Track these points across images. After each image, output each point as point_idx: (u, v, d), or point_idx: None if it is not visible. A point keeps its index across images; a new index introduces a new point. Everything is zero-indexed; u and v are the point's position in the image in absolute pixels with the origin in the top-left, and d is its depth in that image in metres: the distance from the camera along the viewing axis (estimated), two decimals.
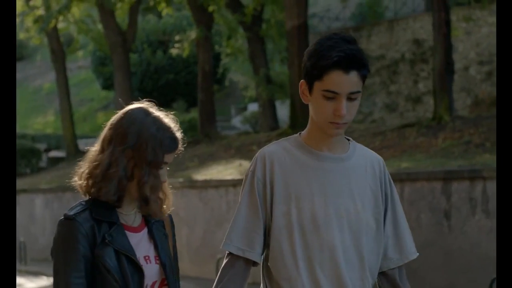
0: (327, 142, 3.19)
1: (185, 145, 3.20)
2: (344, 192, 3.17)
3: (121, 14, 25.37)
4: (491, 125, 15.05)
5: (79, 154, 27.05)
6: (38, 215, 22.83)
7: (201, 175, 17.16)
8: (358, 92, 3.06)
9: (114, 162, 3.07)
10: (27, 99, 42.36)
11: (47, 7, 24.64)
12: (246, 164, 17.16)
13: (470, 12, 24.34)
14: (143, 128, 3.09)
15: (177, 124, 3.19)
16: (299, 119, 18.22)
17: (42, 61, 44.69)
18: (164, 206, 3.20)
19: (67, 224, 3.02)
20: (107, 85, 36.25)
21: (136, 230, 3.14)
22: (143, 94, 35.51)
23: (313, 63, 3.05)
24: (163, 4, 21.16)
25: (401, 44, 27.42)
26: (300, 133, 3.26)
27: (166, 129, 3.12)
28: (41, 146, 30.18)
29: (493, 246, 11.02)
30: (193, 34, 22.14)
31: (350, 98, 3.05)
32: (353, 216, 3.15)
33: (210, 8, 21.31)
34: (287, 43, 19.74)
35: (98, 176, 3.09)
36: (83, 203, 3.09)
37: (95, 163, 3.11)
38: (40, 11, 25.23)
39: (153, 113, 3.14)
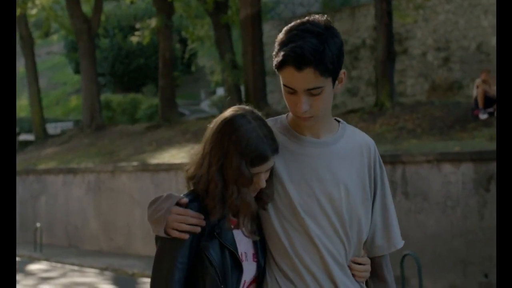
0: (312, 126, 3.07)
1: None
2: (327, 178, 3.06)
3: (86, 1, 25.90)
4: (426, 112, 15.86)
5: (47, 137, 27.74)
6: None
7: (154, 159, 17.91)
8: (318, 88, 2.91)
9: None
10: None
11: None
12: (197, 147, 17.91)
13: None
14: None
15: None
16: (251, 104, 18.84)
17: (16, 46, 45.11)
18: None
19: None
20: (79, 70, 36.79)
21: (236, 226, 3.08)
22: (114, 78, 36.18)
23: (274, 57, 2.96)
24: None
25: (362, 30, 28.05)
26: (287, 115, 3.17)
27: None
28: None
29: (411, 225, 11.85)
30: (153, 22, 22.75)
31: (311, 94, 2.94)
32: (337, 203, 3.05)
33: None
34: (241, 32, 20.35)
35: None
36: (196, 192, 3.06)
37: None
38: None
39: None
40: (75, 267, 16.36)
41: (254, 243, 3.09)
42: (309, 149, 3.08)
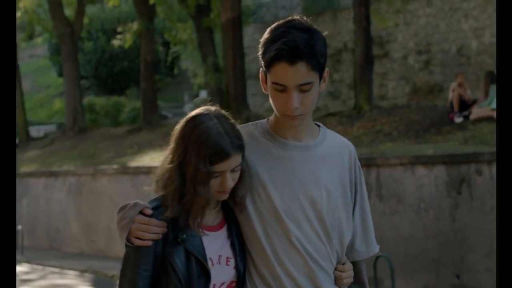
0: (293, 129, 3.06)
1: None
2: (310, 182, 3.05)
3: (69, 5, 25.99)
4: (403, 115, 16.05)
5: (30, 140, 27.80)
6: None
7: (135, 162, 18.04)
8: (309, 83, 2.91)
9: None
10: None
11: None
12: None
13: (404, 3, 25.22)
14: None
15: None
16: (232, 107, 18.98)
17: None
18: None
19: None
20: (63, 73, 36.88)
21: (214, 228, 3.06)
22: (98, 81, 36.20)
23: (262, 54, 2.95)
24: None
25: (344, 33, 28.23)
26: (268, 119, 3.16)
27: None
28: None
29: (385, 227, 12.02)
30: (134, 25, 22.89)
31: (302, 90, 2.92)
32: (319, 207, 3.04)
33: (152, 1, 22.03)
34: (222, 35, 20.49)
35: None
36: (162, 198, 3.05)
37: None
38: None
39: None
40: (56, 269, 16.46)
41: (232, 246, 3.05)
42: (292, 153, 3.06)
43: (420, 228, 11.75)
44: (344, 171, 3.12)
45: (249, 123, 3.18)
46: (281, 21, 2.97)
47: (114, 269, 15.49)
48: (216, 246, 3.02)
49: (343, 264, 3.14)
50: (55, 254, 18.85)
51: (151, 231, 2.94)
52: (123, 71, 35.70)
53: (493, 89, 14.23)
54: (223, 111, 3.04)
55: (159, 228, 2.94)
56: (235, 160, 2.95)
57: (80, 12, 25.71)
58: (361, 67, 17.48)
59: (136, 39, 24.26)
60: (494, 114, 13.93)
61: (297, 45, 2.87)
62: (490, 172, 10.94)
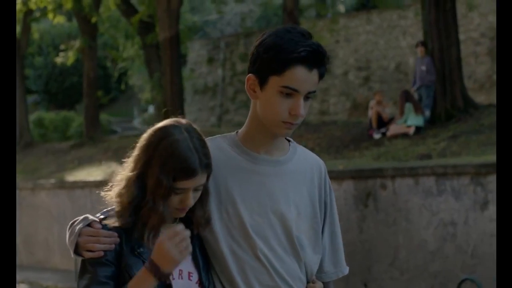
0: (266, 143, 2.97)
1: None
2: (280, 198, 2.95)
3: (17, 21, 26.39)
4: (328, 131, 16.77)
5: None
6: None
7: (72, 176, 18.58)
8: (314, 92, 2.86)
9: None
10: None
11: None
12: (115, 165, 18.68)
13: (347, 21, 25.94)
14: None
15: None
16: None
17: None
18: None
19: None
20: None
21: None
22: (48, 95, 36.52)
23: (272, 56, 2.80)
24: (51, 14, 22.36)
25: None
26: (237, 132, 3.04)
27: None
28: None
29: None
30: (77, 43, 23.44)
31: (306, 97, 2.85)
32: (289, 224, 2.94)
33: (93, 20, 22.60)
34: (161, 53, 21.08)
35: None
36: None
37: None
38: None
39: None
40: None
41: (194, 261, 2.93)
42: (263, 168, 2.96)
43: None
44: (314, 189, 3.03)
45: (218, 135, 3.06)
46: (281, 27, 2.87)
47: (49, 280, 16.01)
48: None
49: (314, 283, 3.07)
50: None
51: (101, 242, 2.83)
52: (73, 86, 36.12)
53: (408, 107, 14.96)
54: (194, 125, 2.91)
55: (109, 238, 2.84)
56: (201, 179, 2.83)
57: (26, 29, 26.16)
58: None
59: (79, 56, 24.77)
60: (410, 130, 14.70)
61: (320, 50, 2.81)
62: (393, 186, 11.65)
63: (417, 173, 11.20)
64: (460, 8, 21.15)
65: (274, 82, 2.82)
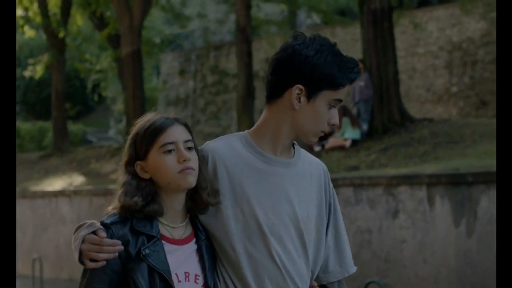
0: (279, 146, 3.02)
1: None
2: (292, 198, 3.00)
3: None
4: None
5: None
6: None
7: (36, 186, 19.38)
8: None
9: None
10: None
11: None
12: (76, 176, 19.54)
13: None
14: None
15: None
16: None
17: None
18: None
19: None
20: None
21: (179, 242, 2.94)
22: (26, 106, 37.17)
23: (336, 73, 2.90)
24: (22, 29, 23.25)
25: (255, 62, 29.53)
26: (248, 131, 3.07)
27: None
28: None
29: None
30: (45, 57, 24.26)
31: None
32: (300, 225, 3.00)
33: (61, 35, 23.44)
34: (123, 68, 21.89)
35: None
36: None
37: None
38: None
39: None
40: None
41: (201, 262, 2.95)
42: (277, 169, 3.01)
43: None
44: (320, 190, 3.10)
45: (229, 134, 3.13)
46: (323, 40, 2.95)
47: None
48: (181, 261, 2.92)
49: (312, 286, 3.12)
50: None
51: (104, 251, 2.83)
52: (50, 96, 36.68)
53: (345, 121, 15.75)
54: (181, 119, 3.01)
55: (112, 247, 2.83)
56: (178, 131, 2.92)
57: None
58: (243, 99, 18.92)
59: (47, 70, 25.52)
60: (346, 143, 15.51)
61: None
62: None
63: (337, 184, 11.96)
64: (420, 22, 21.99)
65: (328, 95, 2.93)
